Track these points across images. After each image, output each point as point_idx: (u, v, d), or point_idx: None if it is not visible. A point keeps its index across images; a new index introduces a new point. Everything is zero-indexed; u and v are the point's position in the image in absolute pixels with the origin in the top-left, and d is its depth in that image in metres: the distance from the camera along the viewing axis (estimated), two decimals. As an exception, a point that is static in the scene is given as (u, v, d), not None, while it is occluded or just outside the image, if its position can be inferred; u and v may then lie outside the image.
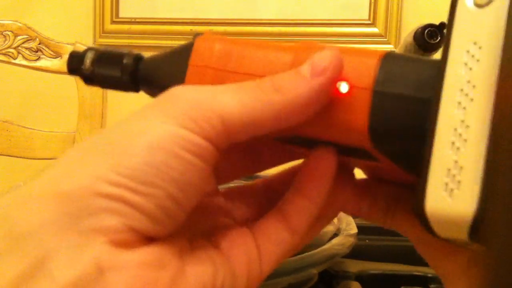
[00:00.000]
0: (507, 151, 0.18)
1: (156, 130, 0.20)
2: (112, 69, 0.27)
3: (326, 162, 0.25)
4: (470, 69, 0.19)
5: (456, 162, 0.19)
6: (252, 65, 0.24)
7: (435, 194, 0.19)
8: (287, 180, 0.27)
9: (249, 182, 0.29)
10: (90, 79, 0.28)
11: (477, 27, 0.19)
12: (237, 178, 0.29)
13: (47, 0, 1.47)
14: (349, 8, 1.26)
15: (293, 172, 0.28)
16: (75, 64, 0.28)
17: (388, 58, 0.22)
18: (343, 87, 0.22)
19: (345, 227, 0.48)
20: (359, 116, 0.22)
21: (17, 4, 1.48)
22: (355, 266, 0.53)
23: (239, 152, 0.28)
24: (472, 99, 0.19)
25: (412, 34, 0.52)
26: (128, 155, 0.20)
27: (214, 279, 0.22)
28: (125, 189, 0.20)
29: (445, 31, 0.20)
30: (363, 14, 1.25)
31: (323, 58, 0.22)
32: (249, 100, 0.22)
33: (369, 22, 1.25)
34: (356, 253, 0.50)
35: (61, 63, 1.04)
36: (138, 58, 0.27)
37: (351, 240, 0.46)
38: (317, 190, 0.24)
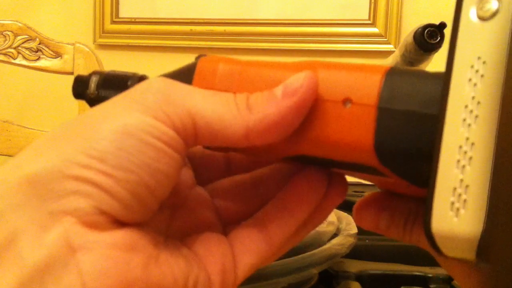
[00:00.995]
0: None
1: (127, 117, 0.21)
2: (117, 91, 0.27)
3: (316, 183, 0.24)
4: (475, 84, 0.19)
5: (461, 180, 0.19)
6: (255, 84, 0.23)
7: (441, 214, 0.19)
8: (277, 177, 0.27)
9: (237, 176, 0.28)
10: (96, 103, 0.28)
11: (481, 41, 0.19)
12: (244, 217, 0.27)
13: (47, 0, 1.47)
14: (349, 8, 1.26)
15: (282, 170, 0.28)
16: (80, 88, 0.28)
17: (391, 73, 0.21)
18: (347, 105, 0.22)
19: (345, 227, 0.48)
20: (364, 134, 0.21)
21: (17, 4, 1.48)
22: (355, 266, 0.53)
23: (241, 195, 0.28)
24: (477, 116, 0.18)
25: (412, 34, 0.52)
26: (99, 138, 0.20)
27: (187, 275, 0.21)
28: (95, 172, 0.19)
29: (445, 31, 0.20)
30: (363, 14, 1.25)
31: (296, 80, 0.22)
32: (222, 110, 0.22)
33: (369, 22, 1.25)
34: (356, 253, 0.50)
35: (61, 63, 1.04)
36: (143, 80, 0.27)
37: (351, 240, 0.45)
38: (301, 208, 0.24)
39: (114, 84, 0.27)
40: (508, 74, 0.18)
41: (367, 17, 1.25)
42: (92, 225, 0.19)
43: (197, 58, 0.26)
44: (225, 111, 0.22)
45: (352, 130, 0.21)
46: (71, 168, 0.19)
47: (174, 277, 0.21)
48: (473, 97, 0.19)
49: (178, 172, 0.22)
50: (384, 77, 0.21)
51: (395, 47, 1.21)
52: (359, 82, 0.22)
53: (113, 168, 0.20)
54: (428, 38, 0.51)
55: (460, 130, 0.19)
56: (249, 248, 0.24)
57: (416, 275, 0.51)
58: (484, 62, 0.19)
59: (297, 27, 1.29)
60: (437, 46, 0.50)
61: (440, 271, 0.51)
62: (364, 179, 0.27)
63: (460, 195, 0.19)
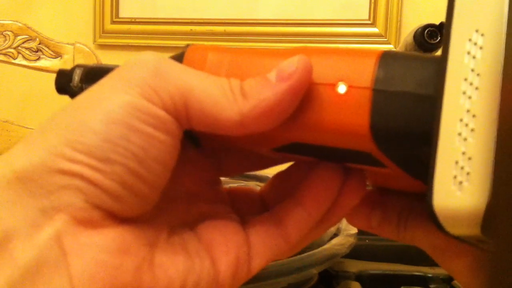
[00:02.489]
0: None
1: (114, 102, 0.20)
2: None
3: (330, 180, 0.24)
4: (474, 57, 0.18)
5: (464, 153, 0.18)
6: (246, 72, 0.23)
7: (443, 188, 0.18)
8: (279, 186, 0.27)
9: (250, 186, 0.29)
10: None
11: (478, 14, 0.18)
12: (239, 172, 0.28)
13: (47, 0, 1.47)
14: (349, 8, 1.26)
15: (282, 177, 0.28)
16: (63, 82, 0.27)
17: (386, 56, 0.21)
18: (342, 88, 0.21)
19: (345, 227, 0.48)
20: (360, 116, 0.21)
21: (17, 4, 1.48)
22: (355, 266, 0.53)
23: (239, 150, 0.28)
24: (477, 88, 0.18)
25: (412, 34, 0.52)
26: (83, 130, 0.19)
27: (185, 276, 0.21)
28: (83, 166, 0.19)
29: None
30: (363, 14, 1.25)
31: (290, 64, 0.21)
32: (216, 92, 0.21)
33: (369, 22, 1.25)
34: (356, 253, 0.49)
35: (61, 63, 1.04)
36: None
37: (351, 240, 0.45)
38: (317, 205, 0.24)
39: (99, 76, 0.26)
40: (508, 45, 0.18)
41: (367, 17, 1.25)
42: (85, 222, 0.19)
43: (185, 47, 0.25)
44: (219, 94, 0.21)
45: (348, 113, 0.21)
46: (57, 162, 0.19)
47: (169, 280, 0.20)
48: (472, 70, 0.18)
49: (173, 155, 0.21)
50: (379, 60, 0.21)
51: (395, 47, 1.21)
52: (353, 65, 0.21)
53: (99, 161, 0.19)
54: (428, 38, 0.51)
55: (460, 103, 0.18)
56: (266, 241, 0.24)
57: (416, 275, 0.52)
58: (482, 35, 0.18)
59: (297, 27, 1.29)
60: (437, 46, 0.50)
61: (440, 271, 0.51)
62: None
63: (462, 167, 0.18)
